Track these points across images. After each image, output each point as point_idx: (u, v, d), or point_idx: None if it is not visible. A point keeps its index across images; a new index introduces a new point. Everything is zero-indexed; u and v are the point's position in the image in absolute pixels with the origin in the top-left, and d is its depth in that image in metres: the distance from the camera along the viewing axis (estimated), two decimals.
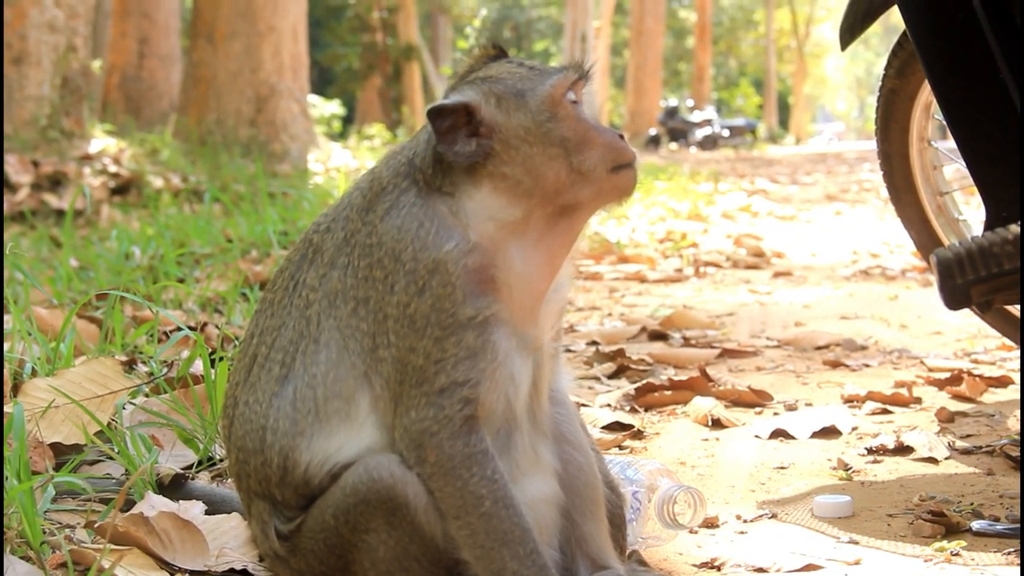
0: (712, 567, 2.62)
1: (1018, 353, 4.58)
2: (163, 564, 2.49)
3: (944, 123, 3.46)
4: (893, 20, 4.24)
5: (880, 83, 4.27)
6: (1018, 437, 3.53)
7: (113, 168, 12.54)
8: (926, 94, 4.17)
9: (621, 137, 2.21)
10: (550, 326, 2.27)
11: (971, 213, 4.36)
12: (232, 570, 2.53)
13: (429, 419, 2.10)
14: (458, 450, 2.10)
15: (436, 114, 2.15)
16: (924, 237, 4.31)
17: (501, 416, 2.18)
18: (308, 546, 2.21)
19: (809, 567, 2.58)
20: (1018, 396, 4.10)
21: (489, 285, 2.13)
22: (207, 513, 2.69)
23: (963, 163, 3.41)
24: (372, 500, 2.12)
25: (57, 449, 3.07)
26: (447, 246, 2.12)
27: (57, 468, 2.96)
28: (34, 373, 3.66)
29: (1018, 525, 2.76)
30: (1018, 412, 3.83)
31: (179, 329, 3.87)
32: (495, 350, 2.13)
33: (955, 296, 3.03)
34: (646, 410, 4.12)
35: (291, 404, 2.21)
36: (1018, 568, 2.50)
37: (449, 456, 2.10)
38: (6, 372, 3.51)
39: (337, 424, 2.18)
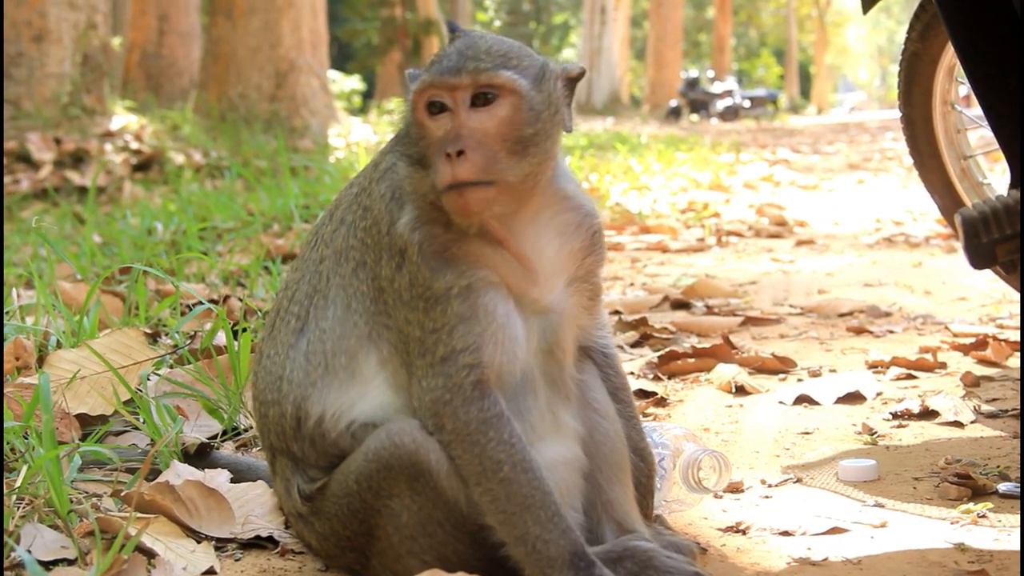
0: (737, 531, 2.61)
1: None
2: (189, 532, 2.51)
3: (967, 86, 3.44)
4: None
5: (903, 47, 4.24)
6: None
7: (134, 145, 12.57)
8: (949, 57, 4.13)
9: (450, 156, 2.05)
10: (562, 287, 2.25)
11: (995, 178, 4.33)
12: (258, 537, 2.54)
13: (439, 388, 2.11)
14: (473, 416, 2.10)
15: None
16: (948, 201, 4.29)
17: (512, 378, 2.18)
18: (331, 510, 2.23)
19: (835, 530, 2.58)
20: None
21: (453, 256, 2.13)
22: (232, 481, 2.70)
23: (987, 126, 3.38)
24: (395, 466, 2.12)
25: (83, 420, 3.09)
26: (401, 219, 2.15)
27: (83, 439, 2.98)
28: (59, 345, 3.68)
29: None
30: None
31: (201, 303, 3.89)
32: (490, 312, 2.13)
33: (980, 255, 3.01)
34: (669, 377, 4.12)
35: (304, 356, 2.25)
36: None
37: (465, 423, 2.10)
38: (31, 343, 3.53)
39: (345, 379, 2.21)
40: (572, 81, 2.21)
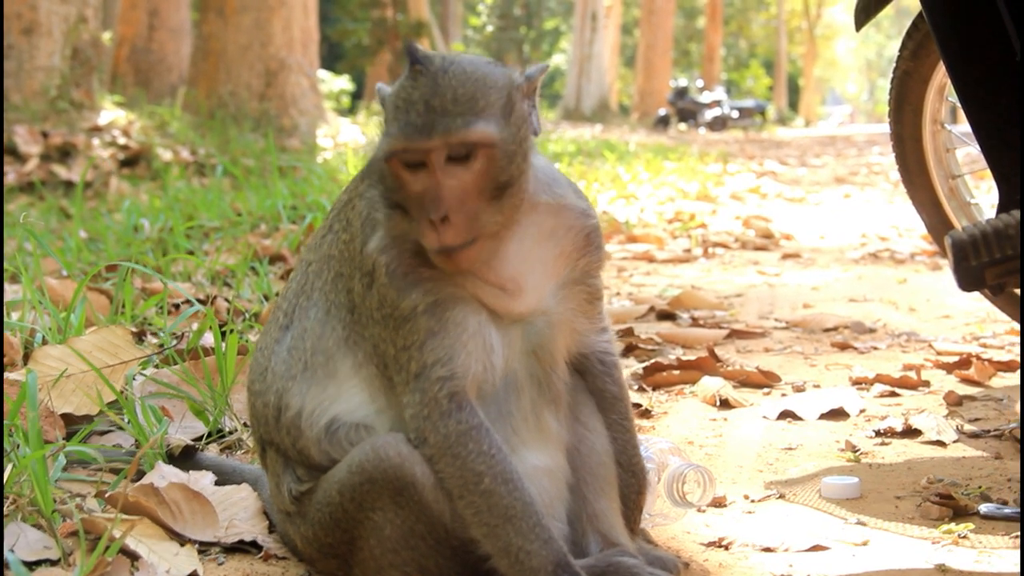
0: (720, 546, 2.62)
1: None
2: (173, 534, 2.51)
3: (958, 105, 3.45)
4: (905, 2, 4.21)
5: (894, 65, 4.26)
6: None
7: (122, 140, 12.53)
8: (940, 76, 4.15)
9: (432, 223, 2.02)
10: (552, 291, 2.23)
11: (983, 197, 4.35)
12: (242, 541, 2.54)
13: (417, 403, 2.12)
14: (452, 428, 2.10)
15: None
16: (935, 220, 4.30)
17: (491, 384, 2.18)
18: (316, 516, 2.23)
19: (817, 547, 2.59)
20: None
21: (420, 277, 2.12)
22: (217, 484, 2.70)
23: (976, 146, 3.40)
24: (379, 479, 2.13)
25: (67, 419, 3.08)
26: (371, 242, 2.15)
27: (67, 437, 2.97)
28: (44, 342, 3.67)
29: None
30: None
31: (188, 302, 3.89)
32: (459, 324, 2.12)
33: (969, 278, 3.02)
34: (654, 389, 4.13)
35: (287, 350, 2.29)
36: None
37: (444, 436, 2.10)
38: (17, 339, 3.52)
39: (323, 377, 2.23)
40: (537, 86, 2.17)
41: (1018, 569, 2.42)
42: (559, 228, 2.21)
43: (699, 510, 2.82)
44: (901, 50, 4.16)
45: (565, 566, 2.08)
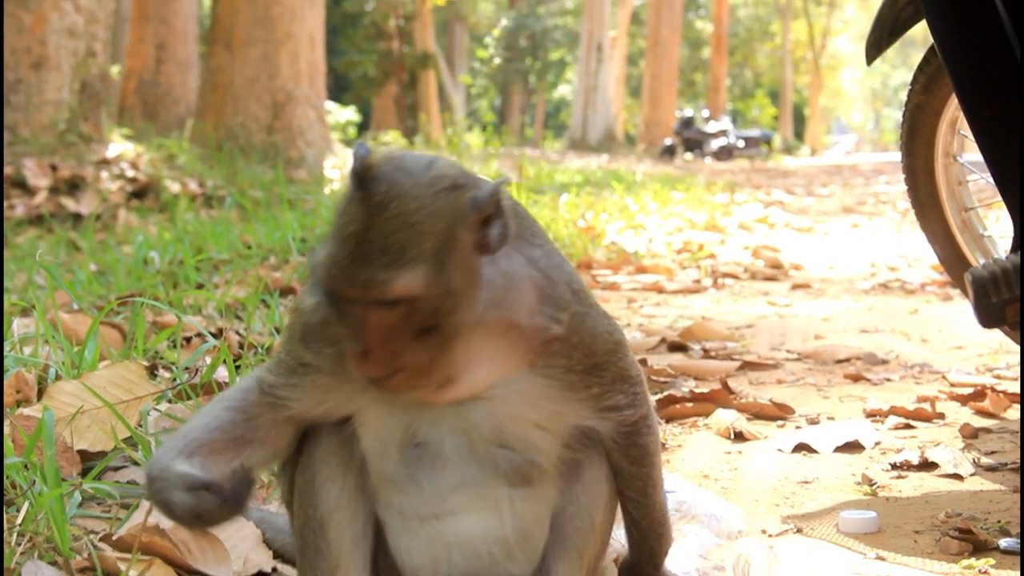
0: None
1: None
2: (189, 574, 2.49)
3: (968, 137, 3.46)
4: (911, 33, 4.23)
5: (906, 98, 4.27)
6: None
7: (130, 173, 12.57)
8: (952, 110, 4.16)
9: (363, 354, 1.95)
10: (484, 388, 2.08)
11: (995, 228, 4.35)
12: (261, 572, 2.53)
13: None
14: None
15: None
16: (948, 252, 4.31)
17: (416, 451, 2.12)
18: None
19: None
20: None
21: (327, 342, 2.07)
22: None
23: (990, 178, 3.39)
24: None
25: (82, 454, 3.08)
26: (308, 301, 2.10)
27: (82, 473, 2.96)
28: (58, 377, 3.67)
29: None
30: None
31: (201, 335, 3.88)
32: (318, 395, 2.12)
33: (990, 315, 3.02)
34: (668, 422, 4.12)
35: None
36: None
37: None
38: (31, 376, 3.52)
39: None
40: (495, 203, 1.96)
41: None
42: (507, 340, 2.06)
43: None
44: (913, 84, 4.17)
45: None
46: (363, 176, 1.89)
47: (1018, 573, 2.61)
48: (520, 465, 2.15)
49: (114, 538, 2.58)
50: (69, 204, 11.17)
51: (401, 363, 1.94)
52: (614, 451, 2.24)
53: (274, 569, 2.55)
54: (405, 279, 1.88)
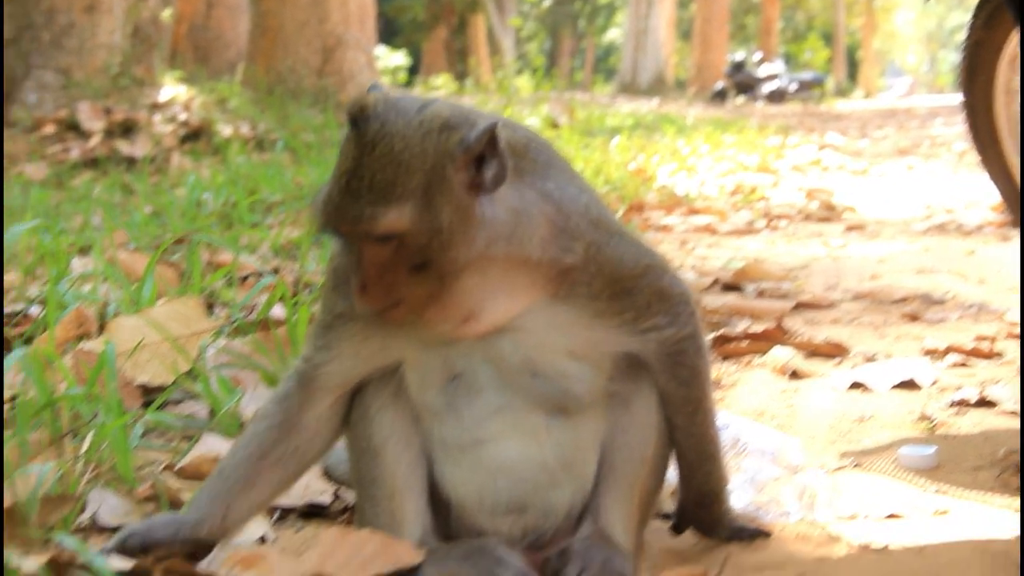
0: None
1: None
2: None
3: None
4: None
5: (966, 35, 4.20)
6: None
7: (183, 116, 12.63)
8: (1012, 46, 4.09)
9: (361, 287, 2.01)
10: (510, 319, 2.10)
11: None
12: (312, 503, 2.56)
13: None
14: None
15: None
16: (1009, 189, 4.25)
17: (453, 384, 2.15)
18: None
19: (895, 517, 2.56)
20: None
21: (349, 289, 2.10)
22: None
23: None
24: None
25: (142, 388, 3.11)
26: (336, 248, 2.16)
27: (143, 406, 3.00)
28: (117, 313, 3.71)
29: None
30: None
31: (258, 274, 3.91)
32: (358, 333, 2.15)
33: None
34: (723, 360, 4.10)
35: None
36: None
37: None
38: (92, 311, 3.56)
39: None
40: (490, 140, 1.99)
41: None
42: (520, 274, 2.09)
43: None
44: (973, 20, 4.10)
45: None
46: (357, 116, 1.95)
47: None
48: (553, 394, 2.16)
49: (176, 468, 2.62)
50: (123, 147, 11.24)
51: (398, 296, 2.00)
52: (660, 374, 2.22)
53: (337, 496, 2.58)
54: (391, 215, 1.94)
